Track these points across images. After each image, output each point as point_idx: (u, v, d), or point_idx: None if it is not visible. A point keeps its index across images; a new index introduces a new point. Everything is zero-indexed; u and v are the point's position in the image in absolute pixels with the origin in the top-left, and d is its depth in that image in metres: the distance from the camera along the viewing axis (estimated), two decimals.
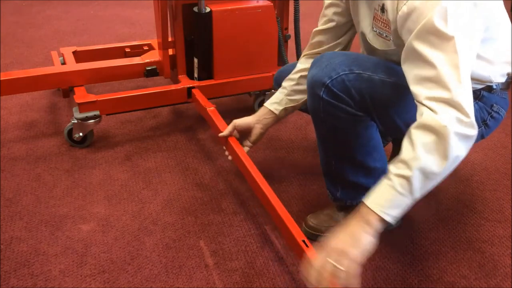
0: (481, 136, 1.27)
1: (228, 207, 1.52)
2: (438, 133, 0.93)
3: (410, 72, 1.02)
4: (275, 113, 1.45)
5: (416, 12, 0.99)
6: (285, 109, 1.44)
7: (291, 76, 1.44)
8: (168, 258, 1.32)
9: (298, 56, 1.91)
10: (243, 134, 1.50)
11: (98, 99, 1.76)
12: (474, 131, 0.96)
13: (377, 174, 1.29)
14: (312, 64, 1.21)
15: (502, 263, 1.33)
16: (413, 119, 1.20)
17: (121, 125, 1.98)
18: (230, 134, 1.49)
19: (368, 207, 0.97)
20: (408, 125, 1.21)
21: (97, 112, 1.77)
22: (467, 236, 1.43)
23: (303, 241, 1.15)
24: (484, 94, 1.23)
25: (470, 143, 0.97)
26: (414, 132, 0.97)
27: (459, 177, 1.70)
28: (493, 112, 1.25)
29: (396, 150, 1.64)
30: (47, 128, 1.94)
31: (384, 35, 1.16)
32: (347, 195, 1.33)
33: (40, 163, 1.71)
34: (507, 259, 1.34)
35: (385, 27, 1.13)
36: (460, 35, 0.96)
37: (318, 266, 0.95)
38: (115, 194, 1.57)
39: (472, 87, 1.20)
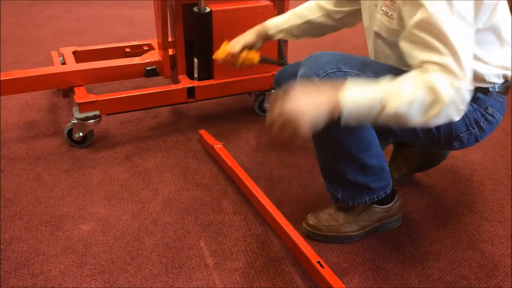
0: (475, 139, 1.26)
1: (228, 207, 1.52)
2: (438, 99, 1.00)
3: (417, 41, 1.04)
4: (272, 37, 1.54)
5: None
6: (281, 37, 1.54)
7: (301, 12, 1.50)
8: (168, 258, 1.32)
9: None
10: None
11: (98, 99, 1.76)
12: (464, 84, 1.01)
13: (375, 172, 1.29)
14: (301, 64, 1.24)
15: (502, 263, 1.33)
16: None
17: (121, 125, 1.98)
18: (241, 50, 1.52)
19: (344, 95, 1.03)
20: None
21: (97, 112, 1.77)
22: (467, 236, 1.43)
23: (318, 262, 1.19)
24: (479, 96, 1.22)
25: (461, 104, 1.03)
26: (418, 88, 1.01)
27: (459, 177, 1.70)
28: (487, 115, 1.24)
29: (397, 152, 1.63)
30: (47, 128, 1.94)
31: (390, 13, 1.16)
32: (348, 196, 1.33)
33: (40, 163, 1.71)
34: (507, 259, 1.34)
35: (392, 5, 1.15)
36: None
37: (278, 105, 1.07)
38: (115, 194, 1.57)
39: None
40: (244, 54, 1.52)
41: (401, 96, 1.01)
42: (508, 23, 1.18)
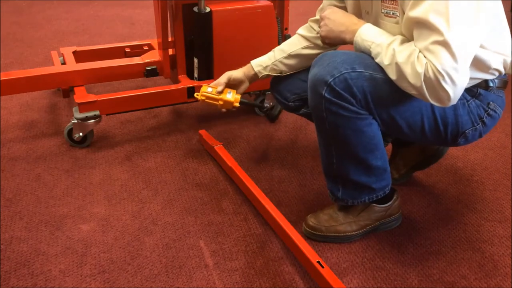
0: (479, 135, 1.28)
1: (228, 207, 1.52)
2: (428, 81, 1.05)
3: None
4: (258, 75, 1.53)
5: None
6: (267, 75, 1.52)
7: (284, 47, 1.49)
8: (168, 258, 1.32)
9: None
10: (231, 86, 1.55)
11: (98, 99, 1.76)
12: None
13: (378, 173, 1.29)
14: (314, 64, 1.22)
15: (502, 263, 1.33)
16: (414, 117, 1.21)
17: (121, 125, 1.98)
18: (224, 88, 1.51)
19: (359, 31, 1.19)
20: (409, 124, 1.21)
21: (97, 112, 1.77)
22: (467, 236, 1.43)
23: (318, 262, 1.19)
24: (480, 92, 1.24)
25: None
26: (407, 63, 1.07)
27: (459, 177, 1.70)
28: (489, 110, 1.26)
29: (396, 152, 1.64)
30: (47, 128, 1.94)
31: (391, 13, 1.17)
32: (348, 195, 1.33)
33: (40, 163, 1.71)
34: (507, 259, 1.34)
35: (393, 3, 1.15)
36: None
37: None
38: (115, 194, 1.57)
39: (470, 84, 1.22)
40: (224, 97, 1.50)
41: (392, 60, 1.10)
42: (502, 9, 1.18)
